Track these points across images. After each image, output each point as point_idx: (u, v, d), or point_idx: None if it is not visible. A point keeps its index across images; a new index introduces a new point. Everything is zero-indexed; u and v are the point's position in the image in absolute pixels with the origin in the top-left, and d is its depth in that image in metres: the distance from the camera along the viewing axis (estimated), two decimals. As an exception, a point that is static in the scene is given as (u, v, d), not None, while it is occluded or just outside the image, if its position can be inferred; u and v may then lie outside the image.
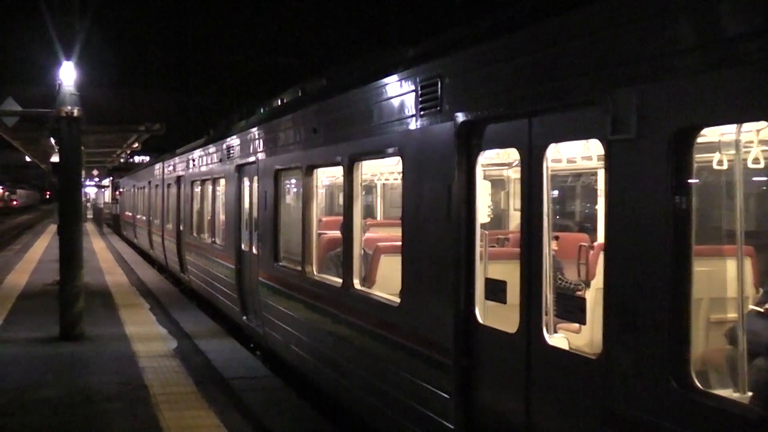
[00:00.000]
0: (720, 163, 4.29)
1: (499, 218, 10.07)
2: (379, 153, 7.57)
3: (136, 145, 30.53)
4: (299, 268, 9.48)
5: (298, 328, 9.62)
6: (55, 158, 18.59)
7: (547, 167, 4.95)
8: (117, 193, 50.07)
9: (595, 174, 8.34)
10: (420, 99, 6.37)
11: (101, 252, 30.19)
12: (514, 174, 10.25)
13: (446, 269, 5.88)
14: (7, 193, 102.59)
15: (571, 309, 4.90)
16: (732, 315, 4.69)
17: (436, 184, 6.07)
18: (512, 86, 5.19)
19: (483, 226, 5.92)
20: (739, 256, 4.12)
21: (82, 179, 18.23)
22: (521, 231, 5.20)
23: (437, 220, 6.05)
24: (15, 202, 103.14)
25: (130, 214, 36.28)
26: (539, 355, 4.95)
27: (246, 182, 12.69)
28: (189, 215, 18.48)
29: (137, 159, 52.93)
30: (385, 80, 7.11)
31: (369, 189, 12.54)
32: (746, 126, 3.98)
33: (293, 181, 11.40)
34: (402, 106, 6.74)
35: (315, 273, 9.21)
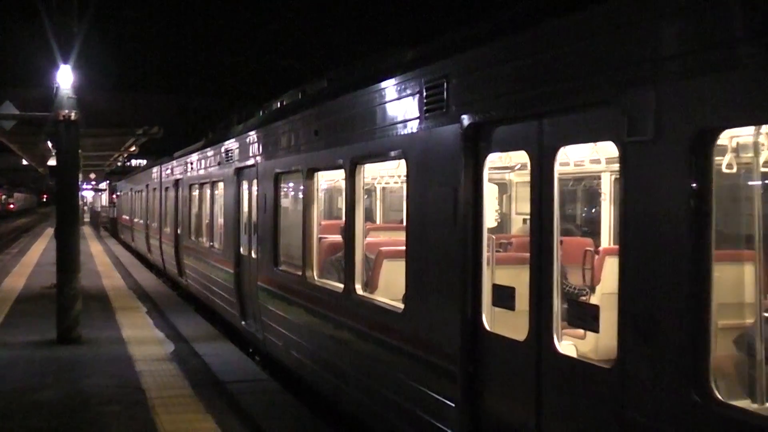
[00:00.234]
0: (729, 166, 4.21)
1: (501, 222, 10.04)
2: (382, 156, 7.46)
3: (133, 148, 30.52)
4: (300, 273, 9.37)
5: (298, 333, 9.50)
6: (52, 161, 18.55)
7: (557, 170, 4.83)
8: (114, 196, 50.03)
9: (599, 177, 8.35)
10: (425, 100, 6.25)
11: (98, 255, 30.14)
12: (516, 177, 10.21)
13: (452, 275, 5.75)
14: (3, 197, 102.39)
15: (584, 316, 4.76)
16: (739, 321, 4.57)
17: (442, 187, 5.95)
18: (522, 87, 5.06)
19: (490, 230, 5.79)
20: (758, 260, 4.02)
21: (80, 182, 18.22)
22: (531, 235, 5.07)
23: (443, 224, 5.92)
24: (12, 206, 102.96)
25: (128, 217, 36.17)
26: (549, 364, 4.81)
27: (245, 185, 12.58)
28: (187, 219, 18.36)
29: (134, 162, 52.85)
30: (389, 81, 6.99)
31: (368, 192, 12.48)
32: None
33: (293, 184, 11.27)
34: (406, 107, 6.62)
35: (316, 278, 9.09)
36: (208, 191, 15.86)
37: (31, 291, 18.58)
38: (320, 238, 9.57)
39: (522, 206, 10.30)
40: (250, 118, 13.97)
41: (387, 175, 11.21)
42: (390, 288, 7.65)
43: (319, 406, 9.06)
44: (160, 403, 8.75)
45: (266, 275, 10.89)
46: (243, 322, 12.44)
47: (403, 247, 6.81)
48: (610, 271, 6.98)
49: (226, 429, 7.88)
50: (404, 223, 11.99)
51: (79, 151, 13.76)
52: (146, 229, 27.11)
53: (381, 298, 7.55)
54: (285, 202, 11.10)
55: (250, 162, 11.97)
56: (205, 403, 8.79)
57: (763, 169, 4.14)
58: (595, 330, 4.64)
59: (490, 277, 5.68)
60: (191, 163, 18.03)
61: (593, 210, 9.10)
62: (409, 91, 6.57)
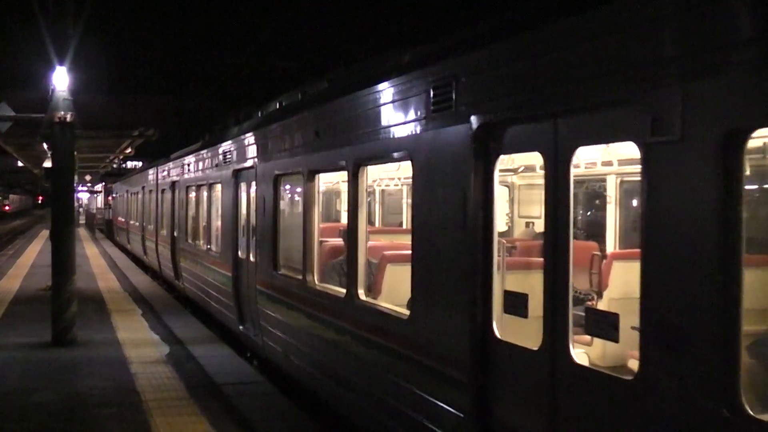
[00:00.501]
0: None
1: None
2: (387, 157, 7.27)
3: (129, 150, 30.48)
4: (300, 277, 9.16)
5: (298, 338, 9.31)
6: (47, 163, 18.57)
7: (573, 172, 4.65)
8: (110, 198, 49.97)
9: (603, 180, 8.23)
10: (432, 100, 6.05)
11: (94, 257, 30.08)
12: (519, 180, 10.17)
13: (461, 280, 5.55)
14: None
15: (603, 325, 4.52)
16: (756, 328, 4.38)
17: (450, 189, 5.75)
18: (536, 85, 4.87)
19: (501, 234, 5.61)
20: None
21: (75, 184, 18.21)
22: (545, 240, 4.88)
23: (451, 228, 5.72)
24: (7, 207, 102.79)
25: (123, 219, 36.06)
26: (565, 375, 4.61)
27: (243, 188, 12.39)
28: (184, 221, 18.18)
29: (130, 164, 52.81)
30: (395, 81, 6.82)
31: (367, 195, 12.34)
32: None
33: (294, 186, 11.06)
34: (413, 107, 6.43)
35: (317, 282, 8.89)
36: (206, 193, 15.67)
37: (27, 293, 18.56)
38: (321, 242, 9.38)
39: (525, 209, 10.25)
40: (248, 119, 13.79)
41: (387, 178, 11.01)
42: (394, 293, 7.48)
43: (315, 409, 9.05)
44: (156, 406, 8.74)
45: (265, 279, 10.71)
46: (241, 327, 12.26)
47: (407, 251, 6.61)
48: (617, 276, 6.92)
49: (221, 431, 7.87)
50: (410, 226, 12.02)
51: (75, 152, 13.76)
52: (142, 231, 26.93)
53: (384, 303, 7.37)
54: (284, 205, 10.90)
55: (249, 164, 11.79)
56: (200, 405, 8.78)
57: None
58: (615, 340, 4.42)
59: (501, 282, 5.49)
60: (188, 165, 17.86)
61: (598, 213, 8.95)
62: (415, 91, 6.39)
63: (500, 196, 5.57)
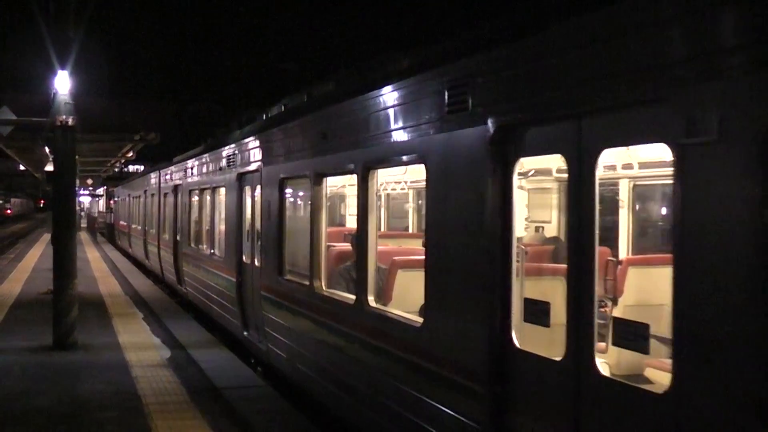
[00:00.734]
0: None
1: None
2: (398, 160, 7.04)
3: (130, 154, 30.51)
4: (307, 283, 8.95)
5: (305, 345, 9.10)
6: (49, 167, 18.54)
7: (598, 175, 4.46)
8: (111, 202, 49.98)
9: (615, 184, 8.03)
10: (447, 101, 5.84)
11: (95, 261, 30.04)
12: (528, 184, 9.89)
13: (479, 287, 5.35)
14: (1, 202, 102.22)
15: (632, 336, 4.29)
16: None
17: (466, 193, 5.54)
18: (559, 84, 4.66)
19: (520, 240, 5.41)
20: None
21: (77, 188, 18.20)
22: (568, 245, 4.67)
23: (468, 233, 5.52)
24: (9, 211, 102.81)
25: (125, 223, 35.96)
26: (590, 387, 4.39)
27: (248, 191, 12.20)
28: (187, 225, 18.00)
29: (131, 168, 52.90)
30: (407, 81, 6.63)
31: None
32: None
33: (300, 190, 10.79)
34: (426, 108, 6.22)
35: (324, 288, 8.67)
36: (209, 197, 15.47)
37: (28, 297, 18.54)
38: (329, 246, 9.17)
39: (534, 214, 10.05)
40: (252, 122, 13.61)
41: (393, 182, 10.81)
42: (405, 300, 7.29)
43: (316, 412, 9.03)
44: (156, 409, 8.71)
45: (270, 284, 10.51)
46: (245, 333, 12.06)
47: (418, 257, 6.40)
48: (633, 283, 6.84)
49: (222, 435, 7.86)
50: (415, 231, 11.96)
51: (76, 156, 13.76)
52: (144, 235, 26.79)
53: (395, 310, 7.17)
54: (290, 209, 10.70)
55: (253, 167, 11.60)
56: (201, 409, 8.75)
57: None
58: (645, 351, 4.21)
59: (521, 290, 5.30)
60: (191, 169, 17.68)
61: (609, 218, 8.78)
62: (428, 91, 6.18)
63: (520, 200, 5.40)
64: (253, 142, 11.90)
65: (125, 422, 8.32)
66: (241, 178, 12.48)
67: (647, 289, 6.75)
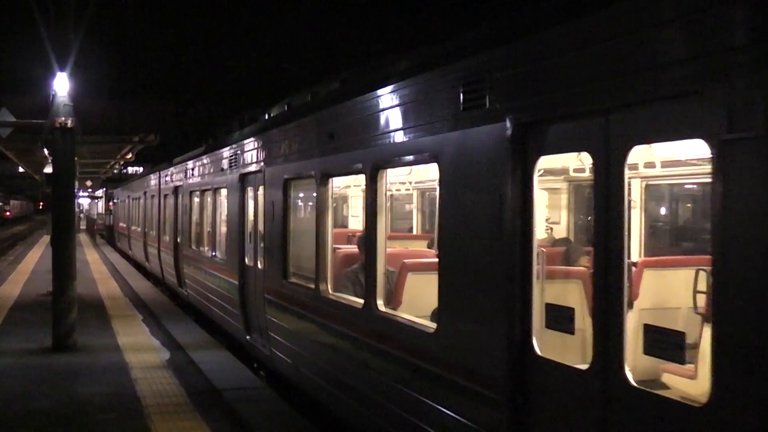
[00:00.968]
0: None
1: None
2: (409, 159, 6.80)
3: (129, 155, 30.50)
4: (312, 286, 8.72)
5: (310, 351, 8.88)
6: (48, 169, 18.53)
7: (627, 174, 4.26)
8: (111, 203, 49.96)
9: (628, 183, 7.92)
10: (462, 98, 5.61)
11: (95, 263, 29.98)
12: (539, 183, 9.64)
13: (497, 292, 5.13)
14: (0, 204, 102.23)
15: (666, 345, 4.06)
16: None
17: (483, 193, 5.32)
18: (584, 79, 4.44)
19: (540, 242, 5.19)
20: None
21: (76, 190, 18.15)
22: (595, 248, 4.45)
23: (485, 235, 5.29)
24: (8, 213, 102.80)
25: (125, 225, 35.83)
26: (620, 398, 4.16)
27: (250, 192, 11.99)
28: (187, 227, 17.79)
29: (131, 170, 52.86)
30: (419, 77, 6.42)
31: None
32: None
33: (304, 190, 10.54)
34: (439, 105, 5.99)
35: (330, 291, 8.45)
36: (210, 198, 15.26)
37: (27, 298, 18.52)
38: (335, 249, 8.96)
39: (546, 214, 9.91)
40: (254, 121, 13.38)
41: (398, 182, 10.62)
42: (415, 304, 7.09)
43: (316, 414, 8.96)
44: (156, 411, 8.67)
45: (274, 287, 10.26)
46: (248, 337, 11.84)
47: (428, 259, 6.16)
48: (648, 285, 6.62)
49: (221, 437, 7.80)
50: (420, 232, 11.87)
51: (76, 158, 13.71)
52: (144, 237, 26.60)
53: (405, 314, 6.95)
54: (295, 210, 10.46)
55: (256, 167, 11.40)
56: (201, 411, 8.71)
57: None
58: (681, 361, 4.03)
59: (541, 294, 5.06)
60: (192, 170, 17.49)
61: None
62: (442, 88, 5.95)
63: (540, 201, 5.18)
64: (255, 143, 11.71)
65: (125, 424, 8.29)
66: (243, 179, 12.29)
67: (663, 292, 6.59)
